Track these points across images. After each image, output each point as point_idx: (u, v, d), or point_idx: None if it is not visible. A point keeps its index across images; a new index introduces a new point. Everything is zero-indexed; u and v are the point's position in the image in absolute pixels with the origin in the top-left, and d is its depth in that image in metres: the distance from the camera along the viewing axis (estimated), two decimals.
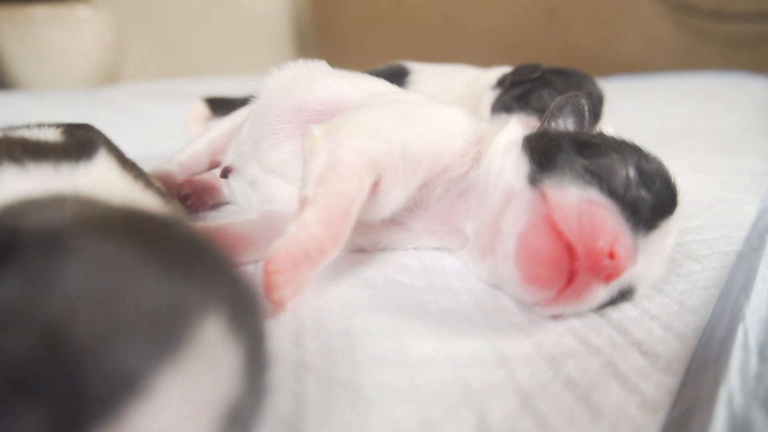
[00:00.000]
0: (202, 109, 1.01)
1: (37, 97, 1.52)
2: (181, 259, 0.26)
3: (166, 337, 0.23)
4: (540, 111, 0.78)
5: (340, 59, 2.78)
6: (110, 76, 1.92)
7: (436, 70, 0.93)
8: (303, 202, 0.47)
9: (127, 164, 0.46)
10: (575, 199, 0.44)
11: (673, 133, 1.11)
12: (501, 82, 0.83)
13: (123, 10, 2.36)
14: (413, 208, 0.55)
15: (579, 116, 0.57)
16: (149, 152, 1.14)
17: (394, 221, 0.56)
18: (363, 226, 0.54)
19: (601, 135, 0.53)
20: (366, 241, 0.56)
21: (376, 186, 0.50)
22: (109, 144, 0.48)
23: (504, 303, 0.49)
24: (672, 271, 0.56)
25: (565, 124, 0.57)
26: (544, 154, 0.49)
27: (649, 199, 0.46)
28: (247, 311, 0.29)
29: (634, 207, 0.45)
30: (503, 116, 0.79)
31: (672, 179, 0.49)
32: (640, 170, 0.47)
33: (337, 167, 0.48)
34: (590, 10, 2.44)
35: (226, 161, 0.69)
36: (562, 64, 2.64)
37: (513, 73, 0.83)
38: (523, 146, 0.51)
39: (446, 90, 0.89)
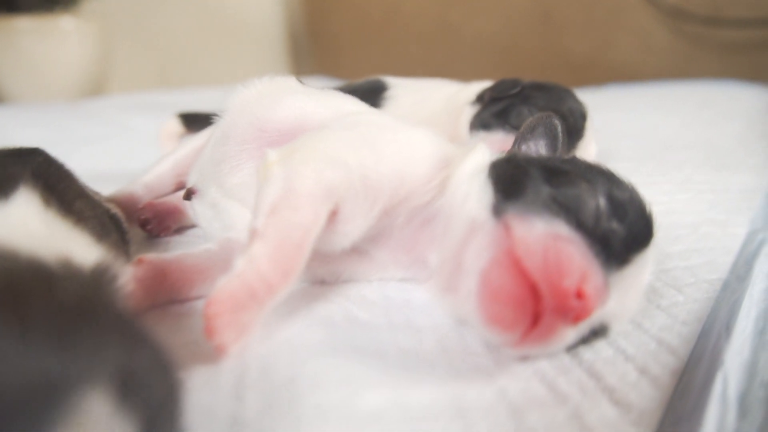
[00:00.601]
0: (176, 126, 0.98)
1: (16, 110, 1.49)
2: (64, 325, 0.23)
3: (33, 417, 0.20)
4: (518, 129, 0.74)
5: (334, 66, 2.76)
6: (97, 87, 1.90)
7: (415, 86, 0.90)
8: (253, 235, 0.44)
9: (62, 198, 0.43)
10: (541, 233, 0.41)
11: (662, 145, 1.07)
12: (480, 98, 0.80)
13: (110, 20, 2.33)
14: (376, 237, 0.52)
15: (552, 138, 0.54)
16: (129, 167, 1.11)
17: (357, 251, 0.53)
18: (323, 256, 0.51)
19: (573, 160, 0.49)
20: (326, 272, 0.53)
21: (333, 215, 0.47)
22: (46, 175, 0.45)
23: (469, 342, 0.46)
24: (653, 303, 0.53)
25: (537, 147, 0.53)
26: (510, 183, 0.46)
27: (622, 232, 0.43)
28: (152, 376, 0.26)
29: (605, 240, 0.42)
30: (482, 134, 0.76)
31: (647, 209, 0.46)
32: (612, 200, 0.44)
33: (290, 197, 0.45)
34: (584, 16, 2.41)
35: (190, 182, 0.66)
36: (557, 70, 2.61)
37: (492, 89, 0.79)
38: (488, 173, 0.48)
39: (424, 106, 0.86)
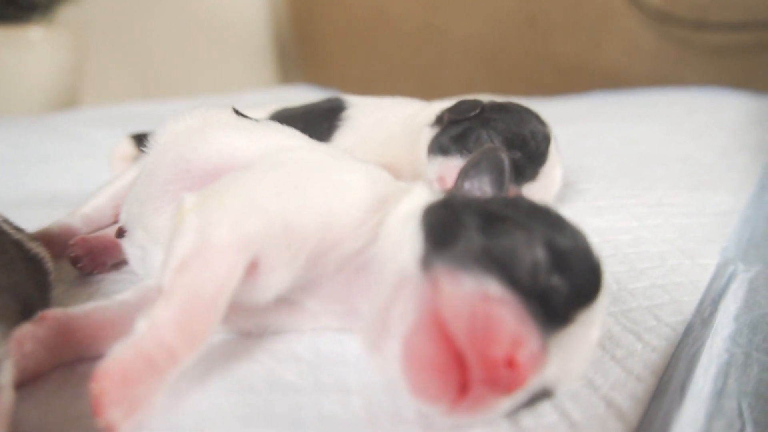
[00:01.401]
0: (129, 148, 0.93)
1: None
2: None
3: None
4: None
5: (320, 71, 2.72)
6: (69, 100, 1.85)
7: (375, 105, 0.86)
8: (158, 294, 0.40)
9: None
10: (469, 292, 0.37)
11: (640, 160, 1.03)
12: (439, 120, 0.76)
13: (87, 28, 2.29)
14: (306, 286, 0.48)
15: (497, 173, 0.49)
16: (90, 189, 1.06)
17: (286, 301, 0.48)
18: (247, 308, 0.47)
19: (516, 202, 0.45)
20: (252, 324, 0.49)
21: (253, 267, 0.43)
22: None
23: (399, 406, 0.42)
24: (608, 353, 0.49)
25: (481, 183, 0.49)
26: (441, 231, 0.41)
27: (563, 287, 0.39)
28: None
29: (544, 298, 0.38)
30: (439, 159, 0.72)
31: (594, 259, 0.42)
32: (553, 250, 0.40)
33: (203, 250, 0.41)
34: (571, 19, 2.38)
35: (120, 220, 0.61)
36: (544, 74, 2.56)
37: (450, 111, 0.75)
38: (421, 218, 0.43)
39: (383, 127, 0.81)
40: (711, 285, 0.59)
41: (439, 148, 0.73)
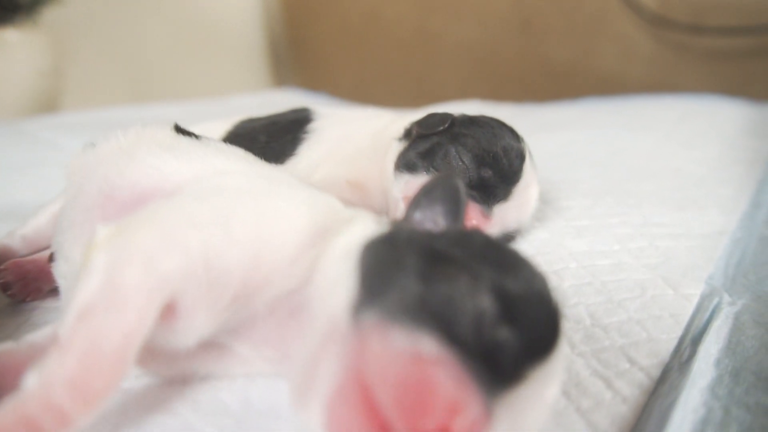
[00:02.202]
0: None
1: None
2: None
3: None
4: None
5: (314, 74, 2.67)
6: (48, 104, 1.80)
7: (344, 117, 0.81)
8: (54, 345, 0.35)
9: None
10: (399, 351, 0.32)
11: (627, 174, 0.98)
12: (408, 134, 0.71)
13: (70, 31, 2.24)
14: (235, 328, 0.43)
15: (453, 203, 0.44)
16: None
17: (214, 344, 0.43)
18: (169, 353, 0.42)
19: (468, 239, 0.40)
20: (175, 370, 0.44)
21: (170, 310, 0.38)
22: None
23: None
24: (573, 403, 0.44)
25: (434, 214, 0.44)
26: (377, 274, 0.36)
27: (513, 341, 0.34)
28: None
29: (489, 355, 0.33)
30: (406, 176, 0.67)
31: (552, 306, 0.37)
32: (503, 297, 0.35)
33: (110, 293, 0.36)
34: (565, 23, 2.33)
35: (52, 245, 0.56)
36: (538, 78, 2.52)
37: (418, 124, 0.70)
38: (359, 257, 0.39)
39: (350, 141, 0.76)
40: (693, 321, 0.54)
41: (405, 164, 0.68)
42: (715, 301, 0.57)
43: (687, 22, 1.97)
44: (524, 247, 0.69)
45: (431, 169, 0.66)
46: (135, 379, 0.44)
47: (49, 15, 2.03)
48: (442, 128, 0.68)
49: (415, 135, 0.70)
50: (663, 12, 2.04)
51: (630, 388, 0.45)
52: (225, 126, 0.84)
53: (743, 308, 0.56)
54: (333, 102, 2.36)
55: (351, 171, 0.74)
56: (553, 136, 1.25)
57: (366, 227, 0.43)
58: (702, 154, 1.07)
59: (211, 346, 0.43)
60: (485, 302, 0.34)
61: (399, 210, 0.67)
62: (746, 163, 1.02)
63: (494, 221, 0.65)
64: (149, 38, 2.64)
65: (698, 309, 0.57)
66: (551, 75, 2.41)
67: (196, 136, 0.56)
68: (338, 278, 0.38)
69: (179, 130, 0.57)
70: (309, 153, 0.77)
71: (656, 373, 0.47)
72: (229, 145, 0.58)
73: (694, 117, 1.34)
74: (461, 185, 0.45)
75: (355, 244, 0.40)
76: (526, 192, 0.68)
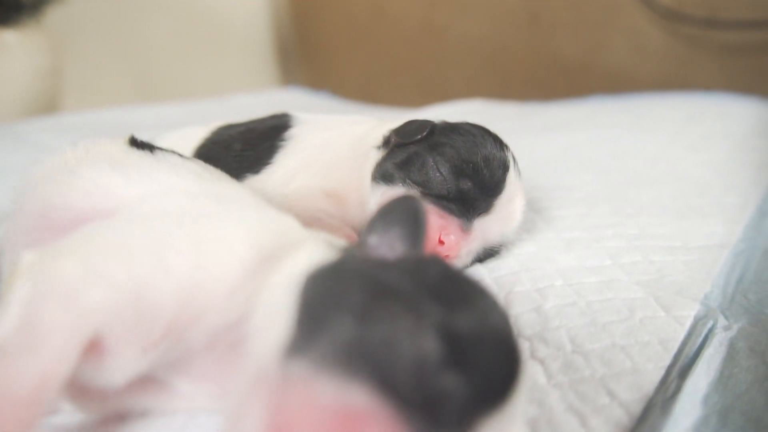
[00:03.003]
0: None
1: None
2: None
3: None
4: (421, 185, 0.62)
5: (321, 71, 2.64)
6: (48, 105, 1.79)
7: (324, 123, 0.77)
8: None
9: None
10: (328, 405, 0.29)
11: (629, 178, 0.94)
12: (387, 142, 0.67)
13: (74, 31, 2.23)
14: (174, 363, 0.40)
15: (412, 227, 0.41)
16: None
17: (152, 379, 0.40)
18: (101, 390, 0.39)
19: (423, 268, 0.37)
20: (111, 407, 0.41)
21: (95, 347, 0.35)
22: None
23: None
24: None
25: (391, 239, 0.41)
26: (313, 313, 0.33)
27: (461, 389, 0.30)
28: None
29: (432, 406, 0.30)
30: (382, 188, 0.64)
31: (510, 345, 0.33)
32: (452, 338, 0.31)
33: (27, 331, 0.34)
34: (575, 17, 2.27)
35: None
36: (547, 74, 2.46)
37: (396, 132, 0.66)
38: (300, 291, 0.35)
39: (329, 148, 0.73)
40: (683, 348, 0.50)
41: (381, 175, 0.64)
42: (710, 324, 0.53)
43: (701, 15, 1.91)
44: (509, 262, 0.65)
45: (407, 180, 0.62)
46: (69, 416, 0.41)
47: (52, 15, 2.02)
48: (420, 137, 0.64)
49: (393, 144, 0.66)
50: (676, 5, 1.97)
51: (606, 427, 0.41)
52: (203, 132, 0.80)
53: (739, 333, 0.52)
54: (337, 101, 2.32)
55: (328, 181, 0.71)
56: (555, 137, 1.21)
57: (314, 254, 0.39)
58: (709, 157, 1.02)
59: (148, 381, 0.40)
60: (428, 344, 0.31)
61: None
62: (756, 166, 0.97)
63: (474, 236, 0.62)
64: (154, 37, 2.62)
65: (690, 333, 0.52)
66: (560, 70, 2.35)
67: (153, 150, 0.53)
68: (273, 315, 0.35)
69: (135, 142, 0.54)
70: (286, 161, 0.73)
71: (637, 409, 0.43)
72: (188, 158, 0.55)
73: (703, 116, 1.28)
74: (421, 207, 0.42)
75: (297, 275, 0.37)
76: (510, 204, 0.64)
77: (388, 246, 0.41)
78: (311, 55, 3.08)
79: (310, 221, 0.68)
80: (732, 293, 0.60)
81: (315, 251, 0.39)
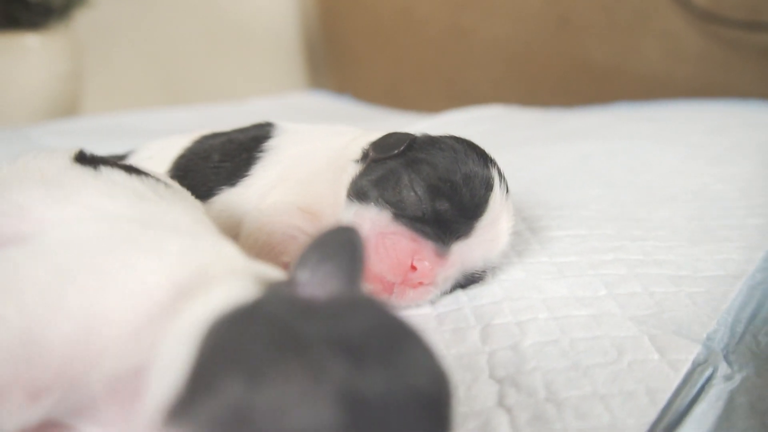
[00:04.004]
0: None
1: None
2: None
3: None
4: (395, 205, 0.56)
5: (347, 73, 2.61)
6: (68, 108, 1.80)
7: (306, 134, 0.73)
8: None
9: None
10: None
11: (642, 195, 0.86)
12: (365, 156, 0.63)
13: (101, 33, 2.25)
14: (79, 408, 0.36)
15: (349, 262, 0.36)
16: None
17: (58, 425, 0.37)
18: None
19: (348, 312, 0.32)
20: None
21: None
22: None
23: None
24: None
25: (324, 275, 0.36)
26: (205, 369, 0.29)
27: None
28: None
29: None
30: (356, 206, 0.59)
31: (433, 413, 0.28)
32: (356, 404, 0.27)
33: None
34: (606, 19, 2.18)
35: None
36: (576, 78, 2.38)
37: (374, 146, 0.62)
38: (201, 340, 0.31)
39: (307, 161, 0.68)
40: (673, 401, 0.44)
41: (355, 192, 0.60)
42: (708, 372, 0.47)
43: (741, 17, 1.80)
44: (492, 289, 0.60)
45: (380, 200, 0.57)
46: None
47: (79, 18, 2.04)
48: (396, 152, 0.59)
49: (370, 158, 0.62)
50: (714, 6, 1.87)
51: None
52: (185, 142, 0.77)
53: (741, 385, 0.45)
54: (359, 105, 2.29)
55: (305, 196, 0.67)
56: (570, 147, 1.14)
57: (232, 293, 0.35)
58: (734, 171, 0.94)
59: (54, 427, 0.37)
60: (323, 413, 0.26)
61: None
62: None
63: (452, 261, 0.56)
64: (182, 41, 2.63)
65: (685, 382, 0.46)
66: (589, 76, 2.27)
67: (98, 165, 0.50)
68: (169, 365, 0.31)
69: (82, 157, 0.51)
70: (263, 174, 0.69)
71: None
72: (139, 175, 0.51)
73: (732, 126, 1.19)
74: (360, 239, 0.37)
75: (203, 319, 0.32)
76: (494, 227, 0.58)
77: (319, 283, 0.36)
78: (338, 58, 3.06)
79: (285, 239, 0.64)
80: (741, 333, 0.53)
81: (234, 289, 0.35)
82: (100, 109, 2.15)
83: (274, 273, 0.40)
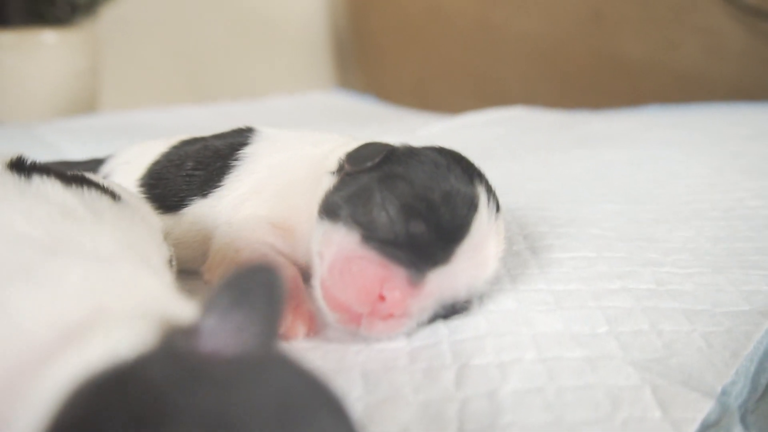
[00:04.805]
0: None
1: None
2: None
3: None
4: (364, 226, 0.50)
5: (375, 71, 2.55)
6: (86, 104, 1.79)
7: (286, 141, 0.67)
8: None
9: None
10: None
11: (663, 211, 0.78)
12: (341, 168, 0.57)
13: (125, 29, 2.25)
14: None
15: (264, 303, 0.30)
16: None
17: None
18: None
19: (246, 382, 0.26)
20: None
21: None
22: None
23: None
24: None
25: (235, 324, 0.30)
26: None
27: None
28: None
29: None
30: (325, 225, 0.53)
31: None
32: None
33: None
34: (643, 13, 2.07)
35: None
36: (610, 76, 2.27)
37: (348, 157, 0.55)
38: (58, 408, 0.25)
39: (284, 171, 0.62)
40: None
41: (326, 209, 0.54)
42: None
43: None
44: (477, 321, 0.53)
45: (350, 219, 0.51)
46: None
47: (104, 14, 2.04)
48: (370, 164, 0.53)
49: (344, 171, 0.55)
50: (761, 1, 1.75)
51: None
52: (162, 147, 0.73)
53: None
54: (381, 104, 2.23)
55: (278, 210, 0.61)
56: (590, 154, 1.05)
57: (117, 343, 0.29)
58: (764, 185, 0.84)
59: None
60: None
61: (315, 270, 0.52)
62: None
63: (429, 290, 0.49)
64: (208, 37, 2.61)
65: None
66: (625, 73, 2.16)
67: (32, 174, 0.45)
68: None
69: (19, 165, 0.47)
70: (237, 184, 0.64)
71: None
72: (76, 190, 0.46)
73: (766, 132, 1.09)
74: (280, 283, 0.31)
75: (70, 378, 0.27)
76: (479, 252, 0.51)
77: (227, 335, 0.30)
78: (365, 56, 3.00)
79: (253, 257, 0.58)
80: (765, 387, 0.45)
81: (120, 339, 0.29)
82: (123, 106, 2.14)
83: (190, 314, 0.35)
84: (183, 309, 0.35)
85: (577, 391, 0.44)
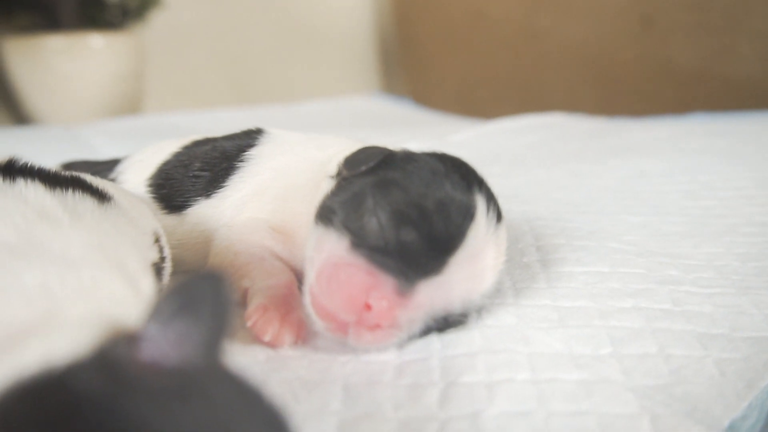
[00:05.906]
0: None
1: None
2: None
3: None
4: (354, 233, 0.48)
5: (420, 76, 2.54)
6: (131, 107, 1.85)
7: (288, 145, 0.66)
8: None
9: None
10: None
11: (694, 224, 0.73)
12: (340, 171, 0.55)
13: (173, 34, 2.31)
14: None
15: (210, 318, 0.29)
16: None
17: None
18: None
19: (182, 398, 0.25)
20: None
21: None
22: None
23: None
24: None
25: (175, 334, 0.29)
26: None
27: None
28: None
29: None
30: (319, 230, 0.51)
31: None
32: None
33: None
34: (695, 18, 1.98)
35: None
36: (659, 84, 2.18)
37: (345, 162, 0.54)
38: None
39: (286, 174, 0.61)
40: None
41: (320, 214, 0.52)
42: None
43: None
44: (472, 337, 0.50)
45: (341, 225, 0.49)
46: None
47: (153, 19, 2.11)
48: (365, 168, 0.51)
49: (342, 176, 0.54)
50: None
51: None
52: (174, 147, 0.73)
53: None
54: (420, 110, 2.21)
55: (278, 214, 0.60)
56: (624, 163, 1.01)
57: (52, 349, 0.28)
58: None
59: None
60: None
61: (306, 277, 0.51)
62: None
63: (419, 301, 0.47)
64: (254, 41, 2.65)
65: None
66: (675, 81, 2.07)
67: (21, 177, 0.46)
68: None
69: (9, 167, 0.47)
70: (240, 186, 0.64)
71: None
72: (60, 193, 0.46)
73: None
74: (226, 293, 0.30)
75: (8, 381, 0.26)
76: (475, 263, 0.49)
77: (169, 344, 0.29)
78: (410, 61, 2.99)
79: (249, 261, 0.58)
80: None
81: (57, 345, 0.29)
82: (167, 109, 2.20)
83: (135, 317, 0.34)
84: (136, 314, 0.34)
85: (567, 417, 0.41)
